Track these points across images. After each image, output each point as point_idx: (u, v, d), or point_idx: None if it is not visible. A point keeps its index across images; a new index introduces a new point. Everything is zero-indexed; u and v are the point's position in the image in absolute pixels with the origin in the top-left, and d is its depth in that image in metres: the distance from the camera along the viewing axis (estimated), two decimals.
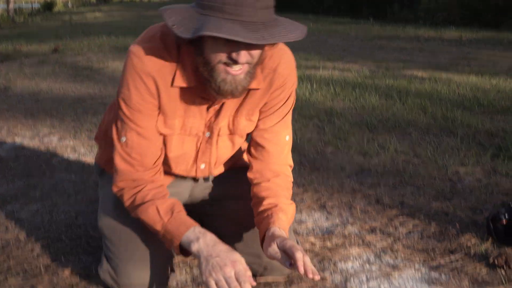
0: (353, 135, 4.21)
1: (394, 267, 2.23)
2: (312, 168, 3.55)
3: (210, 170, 2.08)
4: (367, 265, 2.26)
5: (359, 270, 2.23)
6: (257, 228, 1.97)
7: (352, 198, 3.05)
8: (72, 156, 3.83)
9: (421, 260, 2.28)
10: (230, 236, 2.13)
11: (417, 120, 4.57)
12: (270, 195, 1.97)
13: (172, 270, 2.09)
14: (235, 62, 1.62)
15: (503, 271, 2.13)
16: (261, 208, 1.95)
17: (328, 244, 2.45)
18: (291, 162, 2.07)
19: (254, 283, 1.68)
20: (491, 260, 2.18)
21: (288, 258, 1.72)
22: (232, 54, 1.60)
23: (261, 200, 1.97)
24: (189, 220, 1.82)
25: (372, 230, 2.62)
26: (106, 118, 2.20)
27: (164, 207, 1.82)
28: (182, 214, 1.85)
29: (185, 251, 1.83)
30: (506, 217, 2.37)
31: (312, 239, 2.49)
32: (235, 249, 2.07)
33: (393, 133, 4.25)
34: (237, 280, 1.66)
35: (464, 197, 2.99)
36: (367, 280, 2.15)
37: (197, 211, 2.21)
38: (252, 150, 2.03)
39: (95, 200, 2.77)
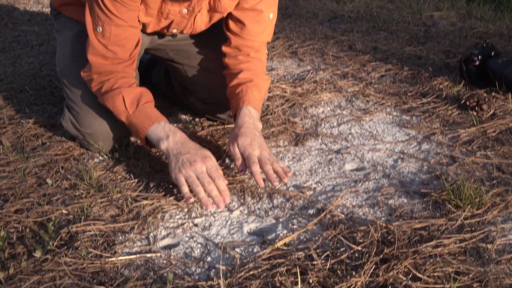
0: None
1: (365, 111, 2.20)
2: (284, 15, 3.44)
3: (182, 32, 2.00)
4: (338, 110, 2.23)
5: (330, 114, 2.20)
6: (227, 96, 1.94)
7: (325, 44, 2.97)
8: (35, 8, 3.64)
9: (393, 104, 2.25)
10: (197, 83, 2.06)
11: None
12: (247, 68, 1.91)
13: None
14: None
15: (474, 113, 2.10)
16: (236, 82, 1.90)
17: (299, 90, 2.40)
18: (270, 38, 1.99)
19: (226, 182, 1.65)
20: (463, 101, 2.14)
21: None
22: None
23: (236, 72, 1.91)
24: (155, 114, 1.75)
25: (344, 76, 2.57)
26: None
27: (130, 97, 1.75)
28: (149, 106, 1.77)
29: (151, 144, 1.78)
30: (479, 58, 2.32)
31: (283, 85, 2.44)
32: (202, 96, 2.01)
33: None
34: (210, 176, 1.63)
35: (438, 41, 2.92)
36: (338, 124, 2.12)
37: (163, 57, 2.13)
38: (232, 26, 1.93)
39: None
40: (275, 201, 1.67)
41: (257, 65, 1.92)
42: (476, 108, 2.09)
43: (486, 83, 2.31)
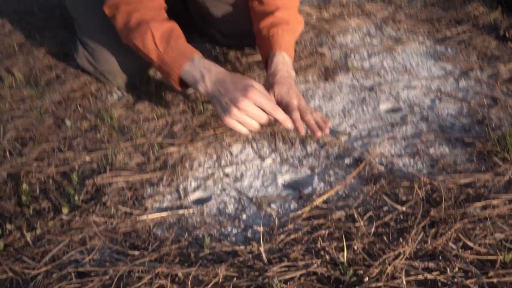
0: None
1: (397, 40, 2.07)
2: None
3: None
4: (368, 38, 2.10)
5: (359, 44, 2.07)
6: (256, 34, 1.78)
7: None
8: None
9: (426, 32, 2.12)
10: (217, 16, 1.92)
11: None
12: (284, 6, 1.74)
13: None
14: None
15: None
16: (270, 21, 1.73)
17: (325, 15, 2.26)
18: None
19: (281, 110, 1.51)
20: (501, 32, 2.01)
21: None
22: None
23: (271, 10, 1.74)
24: (189, 49, 1.57)
25: None
26: None
27: (159, 34, 1.57)
28: (181, 41, 1.58)
29: (185, 84, 1.61)
30: None
31: (307, 9, 2.28)
32: (222, 31, 1.86)
33: None
34: (263, 109, 1.49)
35: None
36: (369, 55, 2.00)
37: None
38: None
39: None
40: (308, 148, 1.58)
41: (292, 3, 1.77)
42: None
43: None
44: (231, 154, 1.57)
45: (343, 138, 1.61)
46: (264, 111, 1.47)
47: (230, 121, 1.49)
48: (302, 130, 1.52)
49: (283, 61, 1.66)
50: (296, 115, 1.52)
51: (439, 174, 1.44)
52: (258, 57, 1.96)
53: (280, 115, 1.48)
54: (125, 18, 1.61)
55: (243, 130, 1.50)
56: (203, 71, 1.52)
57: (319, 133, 1.51)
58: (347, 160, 1.53)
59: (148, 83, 1.86)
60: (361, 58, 1.98)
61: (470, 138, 1.57)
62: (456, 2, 2.29)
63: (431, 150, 1.53)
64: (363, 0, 2.34)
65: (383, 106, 1.74)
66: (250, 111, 1.46)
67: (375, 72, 1.89)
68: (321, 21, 2.19)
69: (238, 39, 1.93)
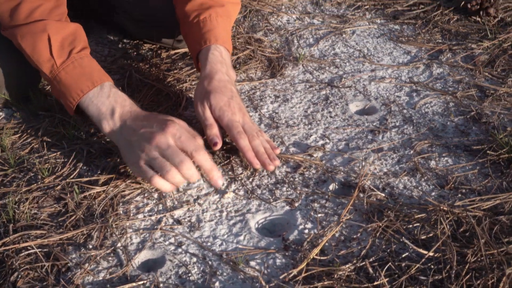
0: None
1: (342, 19, 1.76)
2: None
3: None
4: (307, 18, 1.78)
5: (300, 26, 1.73)
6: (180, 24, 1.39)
7: None
8: None
9: (372, 7, 1.81)
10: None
11: None
12: None
13: None
14: None
15: (478, 18, 1.69)
16: (200, 1, 1.34)
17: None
18: None
19: (209, 154, 1.13)
20: (462, 4, 1.72)
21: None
22: None
23: None
24: (97, 69, 1.20)
25: None
26: None
27: (59, 39, 1.17)
28: (85, 55, 1.19)
29: (82, 114, 1.22)
30: None
31: None
32: (133, 15, 1.44)
33: None
34: (182, 149, 1.10)
35: None
36: (315, 40, 1.68)
37: None
38: None
39: None
40: (277, 172, 1.20)
41: None
42: (481, 13, 1.68)
43: None
44: (177, 189, 1.16)
45: (318, 155, 1.25)
46: (187, 153, 1.10)
47: (141, 165, 1.09)
48: (257, 164, 1.16)
49: (221, 58, 1.28)
50: (244, 142, 1.17)
51: (454, 197, 1.13)
52: (183, 49, 1.54)
53: (202, 158, 1.09)
54: (12, 3, 1.20)
55: (163, 186, 1.11)
56: (115, 105, 1.16)
57: (271, 167, 1.18)
58: (332, 186, 1.18)
59: (45, 92, 1.39)
60: (307, 45, 1.62)
61: (471, 141, 1.28)
62: None
63: (432, 164, 1.22)
64: None
65: (353, 107, 1.41)
66: (166, 150, 1.07)
67: (329, 61, 1.54)
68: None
69: (154, 26, 1.50)
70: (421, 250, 1.02)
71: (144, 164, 1.09)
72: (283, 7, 1.80)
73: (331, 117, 1.37)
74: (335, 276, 0.98)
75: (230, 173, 1.21)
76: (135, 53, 1.58)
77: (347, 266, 1.00)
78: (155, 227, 1.10)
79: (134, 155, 1.10)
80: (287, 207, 1.14)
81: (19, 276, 1.00)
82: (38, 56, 1.18)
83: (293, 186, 1.18)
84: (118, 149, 1.17)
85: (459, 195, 1.15)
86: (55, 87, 1.20)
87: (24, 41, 1.19)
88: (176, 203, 1.16)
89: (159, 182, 1.09)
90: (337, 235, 1.08)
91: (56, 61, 1.17)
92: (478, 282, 0.94)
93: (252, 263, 1.03)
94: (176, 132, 1.10)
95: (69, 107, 1.19)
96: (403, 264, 1.00)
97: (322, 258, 1.03)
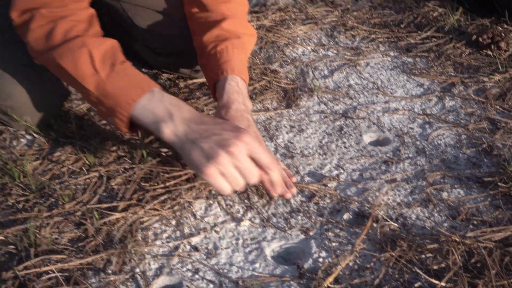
0: None
1: (356, 51, 1.80)
2: None
3: None
4: (322, 50, 1.81)
5: (315, 57, 1.76)
6: (198, 51, 1.42)
7: None
8: None
9: (385, 40, 1.84)
10: (143, 28, 1.54)
11: None
12: (232, 14, 1.38)
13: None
14: None
15: (490, 52, 1.72)
16: (216, 33, 1.36)
17: (266, 22, 1.93)
18: None
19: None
20: (474, 38, 1.75)
21: None
22: None
23: (218, 20, 1.37)
24: (143, 77, 1.17)
25: None
26: None
27: (100, 53, 1.13)
28: (129, 65, 1.16)
29: (135, 127, 1.18)
30: None
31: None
32: (152, 46, 1.48)
33: None
34: (256, 160, 1.09)
35: None
36: (330, 71, 1.71)
37: None
38: None
39: None
40: (292, 201, 1.23)
41: (242, 9, 1.42)
42: (492, 47, 1.72)
43: (486, 10, 1.91)
44: (194, 216, 1.20)
45: (332, 184, 1.28)
46: (259, 165, 1.09)
47: (213, 172, 1.06)
48: (275, 192, 1.20)
49: (237, 88, 1.30)
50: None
51: (465, 228, 1.15)
52: (201, 79, 1.58)
53: (277, 175, 1.11)
54: (46, 28, 1.17)
55: (226, 188, 1.09)
56: (170, 108, 1.11)
57: (289, 195, 1.20)
58: (346, 216, 1.20)
59: (66, 119, 1.43)
60: (322, 76, 1.65)
61: (482, 173, 1.30)
62: (407, 2, 2.01)
63: (444, 195, 1.24)
64: (303, 2, 2.01)
65: (367, 137, 1.43)
66: (242, 160, 1.06)
67: (343, 93, 1.57)
68: (263, 30, 1.84)
69: (173, 57, 1.54)
70: (433, 280, 1.04)
71: (215, 171, 1.07)
72: (298, 38, 1.84)
73: (345, 147, 1.39)
74: None
75: (246, 201, 1.24)
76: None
77: None
78: (173, 253, 1.13)
79: (204, 160, 1.07)
80: (302, 236, 1.17)
81: None
82: (81, 72, 1.13)
83: (308, 215, 1.21)
84: (179, 151, 1.12)
85: (471, 226, 1.17)
86: (102, 104, 1.15)
87: (64, 59, 1.14)
88: (193, 230, 1.18)
89: (221, 181, 1.08)
90: (351, 264, 1.10)
91: (100, 74, 1.13)
92: None
93: None
94: (250, 142, 1.08)
95: (121, 123, 1.15)
96: None
97: (336, 286, 1.05)
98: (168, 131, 1.10)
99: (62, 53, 1.14)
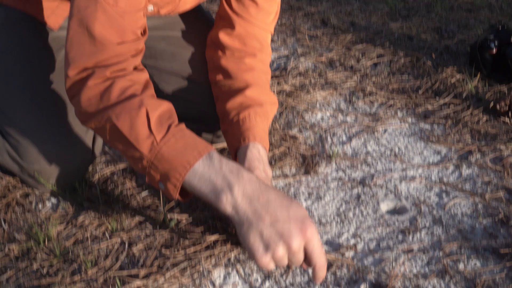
0: None
1: (374, 117, 1.83)
2: None
3: (158, 11, 1.47)
4: (341, 116, 1.84)
5: (333, 123, 1.80)
6: (218, 116, 1.48)
7: (293, 18, 2.52)
8: None
9: (403, 106, 1.87)
10: (168, 94, 1.60)
11: None
12: (255, 81, 1.43)
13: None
14: None
15: (507, 119, 1.75)
16: (240, 100, 1.41)
17: (286, 87, 1.97)
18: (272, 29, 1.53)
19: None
20: (491, 105, 1.78)
21: None
22: None
23: (241, 87, 1.43)
24: (200, 140, 1.13)
25: (331, 64, 2.16)
26: None
27: (157, 115, 1.10)
28: (184, 127, 1.13)
29: (187, 194, 1.17)
30: (496, 45, 1.95)
31: None
32: (176, 110, 1.52)
33: None
34: (309, 255, 1.09)
35: (422, 15, 2.56)
36: (348, 138, 1.74)
37: None
38: (236, 4, 1.44)
39: None
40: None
41: (265, 77, 1.47)
42: (510, 114, 1.74)
43: (503, 76, 1.95)
44: (213, 284, 1.22)
45: (349, 254, 1.29)
46: (308, 260, 1.10)
47: (268, 262, 1.06)
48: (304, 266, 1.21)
49: (258, 156, 1.34)
50: None
51: None
52: (222, 144, 1.63)
53: (323, 274, 1.12)
54: (103, 86, 1.13)
55: (270, 268, 1.10)
56: (230, 177, 1.07)
57: (319, 280, 1.15)
58: (363, 286, 1.22)
59: (90, 183, 1.48)
60: (340, 142, 1.68)
61: (499, 244, 1.30)
62: (426, 67, 2.06)
63: (461, 266, 1.25)
64: (321, 66, 2.07)
65: (384, 206, 1.45)
66: (296, 254, 1.07)
67: (361, 160, 1.60)
68: (283, 95, 1.89)
69: (196, 122, 1.58)
70: None
71: (269, 261, 1.07)
72: (317, 104, 1.88)
73: (362, 216, 1.42)
74: None
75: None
76: None
77: None
78: None
79: (261, 248, 1.06)
80: None
81: None
82: (137, 134, 1.08)
83: (325, 285, 1.22)
84: (236, 226, 1.09)
85: None
86: (155, 168, 1.10)
87: (121, 119, 1.09)
88: None
89: (269, 267, 1.09)
90: None
91: (156, 137, 1.08)
92: None
93: None
94: (311, 238, 1.06)
95: (173, 188, 1.10)
96: None
97: None
98: (228, 205, 1.07)
99: (119, 112, 1.09)
